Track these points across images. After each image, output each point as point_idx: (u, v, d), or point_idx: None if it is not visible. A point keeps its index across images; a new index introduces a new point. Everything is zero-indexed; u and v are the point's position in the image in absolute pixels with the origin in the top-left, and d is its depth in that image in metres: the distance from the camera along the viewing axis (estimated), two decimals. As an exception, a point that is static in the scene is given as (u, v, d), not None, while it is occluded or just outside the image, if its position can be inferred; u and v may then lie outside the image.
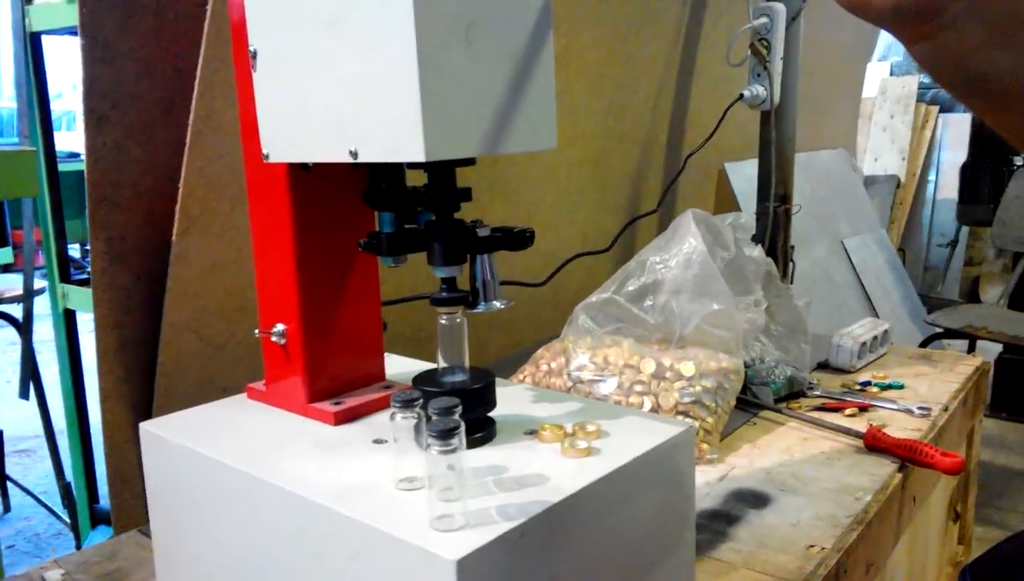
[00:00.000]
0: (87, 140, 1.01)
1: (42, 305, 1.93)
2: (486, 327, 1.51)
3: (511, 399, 0.78)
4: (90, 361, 1.15)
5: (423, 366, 0.85)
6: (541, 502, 0.58)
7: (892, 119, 5.12)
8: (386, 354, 0.83)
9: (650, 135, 1.93)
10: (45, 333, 2.14)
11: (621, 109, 1.78)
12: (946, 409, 1.22)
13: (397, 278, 1.19)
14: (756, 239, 1.65)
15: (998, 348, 3.22)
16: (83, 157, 1.02)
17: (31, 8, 1.46)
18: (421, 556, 0.53)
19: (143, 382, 1.07)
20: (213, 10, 0.94)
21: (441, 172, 0.68)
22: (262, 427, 0.75)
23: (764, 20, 1.66)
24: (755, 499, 0.95)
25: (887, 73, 5.37)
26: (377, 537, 0.56)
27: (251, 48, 0.69)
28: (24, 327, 2.16)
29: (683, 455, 0.71)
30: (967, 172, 4.29)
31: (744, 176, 2.28)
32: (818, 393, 1.26)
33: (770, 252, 1.77)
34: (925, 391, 1.29)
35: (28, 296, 2.13)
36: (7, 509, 2.73)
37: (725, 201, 2.32)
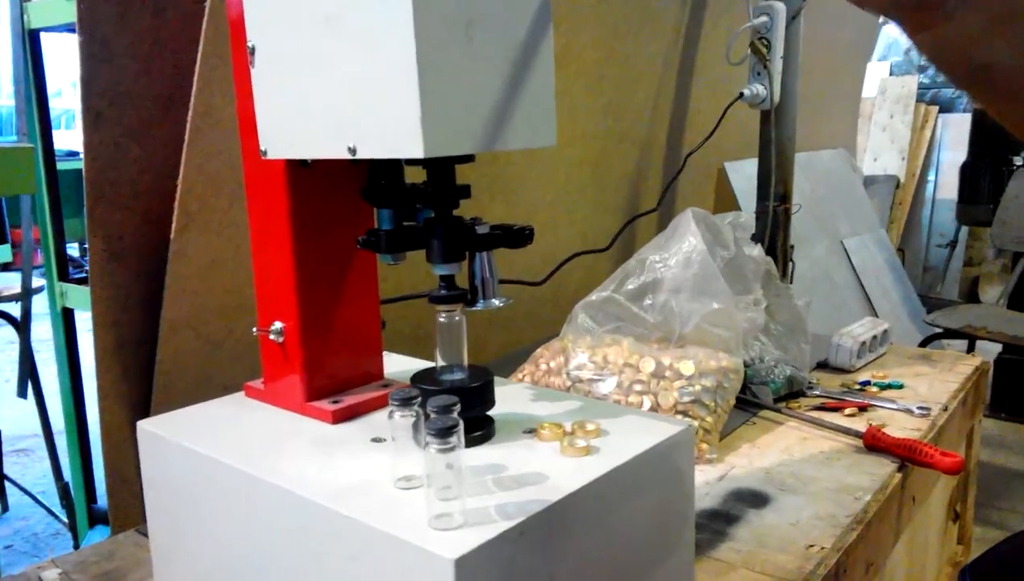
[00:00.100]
0: (85, 137, 1.00)
1: (40, 304, 1.93)
2: (485, 325, 1.51)
3: (510, 398, 0.78)
4: (88, 360, 1.15)
5: (422, 364, 0.84)
6: (540, 501, 0.58)
7: (892, 119, 5.12)
8: (385, 352, 0.83)
9: (650, 134, 1.93)
10: (43, 332, 2.14)
11: (621, 108, 1.78)
12: (945, 409, 1.22)
13: (396, 276, 1.19)
14: (756, 238, 1.64)
15: (997, 348, 3.22)
16: (81, 155, 1.02)
17: (30, 5, 1.46)
18: (420, 555, 0.53)
19: (141, 380, 1.07)
20: (212, 7, 0.94)
21: (440, 169, 0.67)
22: (260, 426, 0.75)
23: (764, 19, 1.65)
24: (754, 499, 0.95)
25: (887, 73, 5.37)
26: (376, 536, 0.56)
27: (249, 44, 0.69)
28: (22, 326, 2.16)
29: (682, 454, 0.71)
30: (967, 172, 4.28)
31: (744, 175, 2.28)
32: (818, 393, 1.26)
33: (770, 251, 1.77)
34: (925, 391, 1.28)
35: (26, 294, 2.13)
36: (5, 509, 2.73)
37: (725, 200, 2.32)
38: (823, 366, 1.40)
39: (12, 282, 2.92)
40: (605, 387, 1.08)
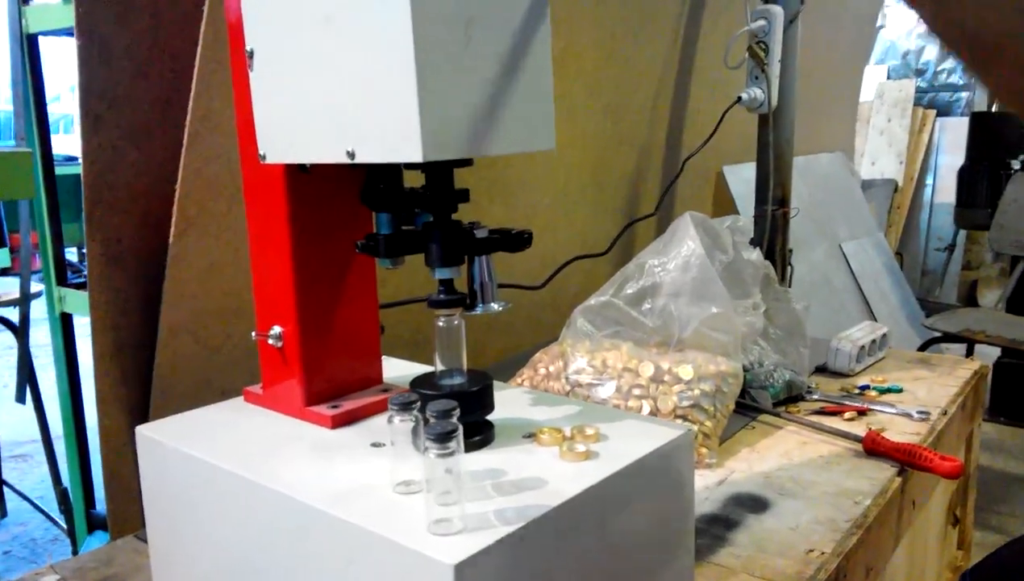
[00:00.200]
0: (83, 141, 1.00)
1: (39, 309, 1.93)
2: (484, 330, 1.51)
3: (509, 402, 0.77)
4: (87, 365, 1.14)
5: (421, 369, 0.84)
6: (540, 506, 0.58)
7: (889, 123, 5.13)
8: (384, 357, 0.83)
9: (648, 138, 1.93)
10: (42, 337, 2.14)
11: (619, 112, 1.78)
12: (945, 413, 1.21)
13: (395, 281, 1.19)
14: (754, 242, 1.64)
15: (996, 352, 3.22)
16: (80, 160, 1.02)
17: (28, 9, 1.45)
18: (419, 560, 0.53)
19: (140, 385, 1.07)
20: (210, 10, 0.94)
21: (439, 173, 0.67)
22: (259, 431, 0.75)
23: (762, 23, 1.66)
24: (754, 503, 0.95)
25: (884, 77, 5.38)
26: (375, 541, 0.56)
27: (248, 48, 0.69)
28: (20, 331, 2.16)
29: (682, 459, 0.71)
30: (964, 176, 4.29)
31: (742, 179, 2.28)
32: (817, 397, 1.26)
33: (768, 255, 1.77)
34: (924, 395, 1.28)
35: (25, 299, 2.13)
36: (3, 514, 2.72)
37: (723, 204, 2.32)
38: (822, 370, 1.40)
39: (10, 287, 2.92)
40: (604, 391, 1.07)
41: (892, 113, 5.12)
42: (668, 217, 1.87)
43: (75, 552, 1.74)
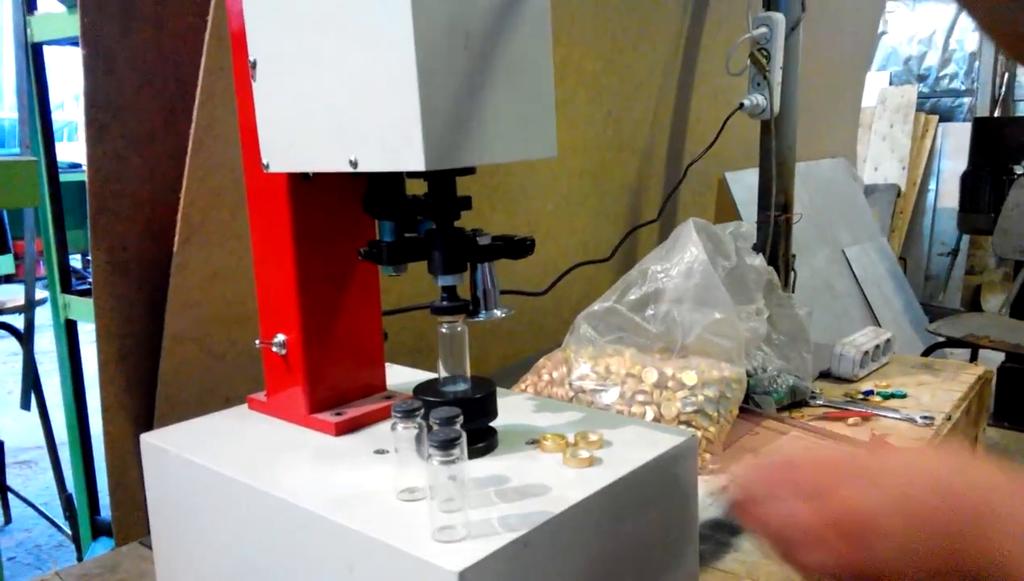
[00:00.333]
0: (88, 149, 1.01)
1: (43, 315, 1.93)
2: (487, 336, 1.51)
3: (512, 409, 0.78)
4: (91, 372, 1.15)
5: (424, 376, 0.84)
6: (543, 512, 0.58)
7: (892, 128, 5.13)
8: (387, 364, 0.83)
9: (650, 144, 1.93)
10: (46, 344, 2.14)
11: (621, 118, 1.78)
12: (949, 418, 1.21)
13: (398, 288, 1.19)
14: (757, 248, 1.65)
15: (1000, 357, 3.21)
16: (84, 167, 1.02)
17: (33, 19, 1.46)
18: (423, 567, 0.53)
19: (144, 392, 1.07)
20: (214, 20, 0.94)
21: (441, 181, 0.68)
22: (263, 438, 0.75)
23: (763, 30, 1.66)
24: (758, 509, 0.95)
25: (887, 83, 5.38)
26: (379, 548, 0.56)
27: (251, 58, 0.69)
28: (25, 338, 2.16)
29: (686, 465, 0.71)
30: (967, 181, 4.28)
31: (744, 185, 2.28)
32: (820, 402, 1.26)
33: (771, 261, 1.77)
34: (928, 400, 1.28)
35: (29, 306, 2.13)
36: (8, 520, 2.72)
37: (726, 210, 2.32)
38: (825, 376, 1.40)
39: (15, 294, 2.93)
40: (608, 397, 1.07)
41: (894, 118, 5.12)
42: (670, 223, 1.87)
43: (80, 558, 1.74)
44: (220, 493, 0.69)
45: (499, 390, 0.73)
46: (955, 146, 5.01)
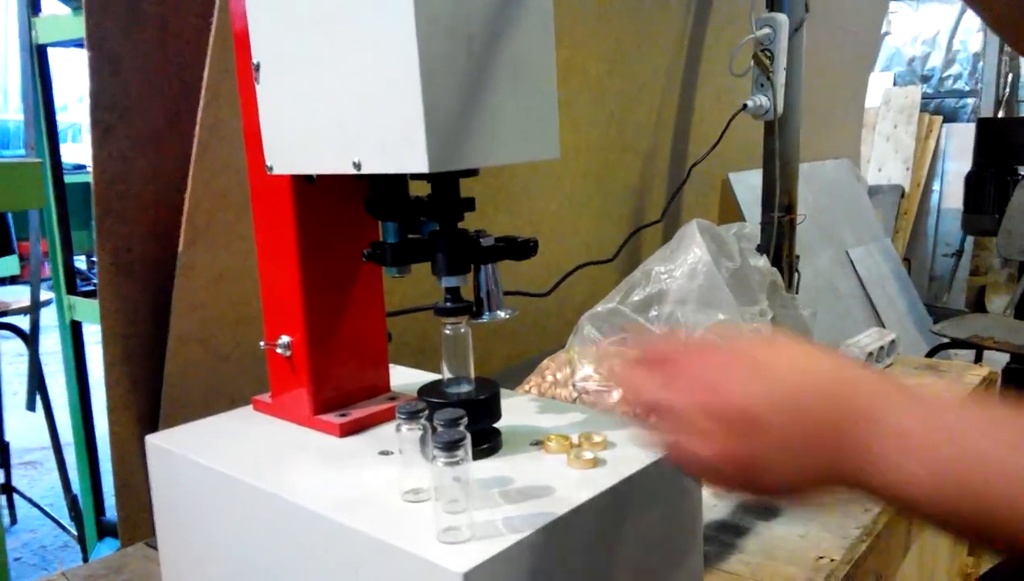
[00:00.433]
0: (93, 151, 1.01)
1: (49, 317, 1.94)
2: (490, 337, 1.51)
3: (516, 410, 0.78)
4: (97, 373, 1.15)
5: (428, 377, 0.85)
6: (548, 514, 0.58)
7: (896, 129, 5.12)
8: (391, 365, 0.83)
9: (653, 146, 1.93)
10: (52, 345, 2.15)
11: (624, 120, 1.78)
12: (953, 419, 1.21)
13: (402, 289, 1.19)
14: (761, 249, 1.64)
15: (1005, 358, 3.20)
16: (89, 169, 1.02)
17: (38, 20, 1.47)
18: (428, 568, 0.53)
19: (150, 393, 1.07)
20: (218, 21, 0.94)
21: (444, 182, 0.68)
22: (268, 439, 0.75)
23: (767, 31, 1.66)
24: (763, 510, 0.95)
25: (890, 83, 5.37)
26: (383, 549, 0.56)
27: (254, 60, 0.69)
28: (31, 339, 2.17)
29: (690, 466, 0.71)
30: (971, 182, 4.27)
31: (748, 186, 2.28)
32: (824, 403, 1.26)
33: (775, 262, 1.76)
34: (932, 401, 1.28)
35: (35, 308, 2.14)
36: (14, 521, 2.73)
37: (729, 211, 2.32)
38: (830, 377, 1.39)
39: (21, 295, 2.93)
40: (612, 399, 1.07)
41: (898, 119, 5.11)
42: (674, 224, 1.87)
43: (85, 559, 1.74)
44: (225, 494, 0.69)
45: (503, 391, 0.73)
46: (959, 147, 5.00)
